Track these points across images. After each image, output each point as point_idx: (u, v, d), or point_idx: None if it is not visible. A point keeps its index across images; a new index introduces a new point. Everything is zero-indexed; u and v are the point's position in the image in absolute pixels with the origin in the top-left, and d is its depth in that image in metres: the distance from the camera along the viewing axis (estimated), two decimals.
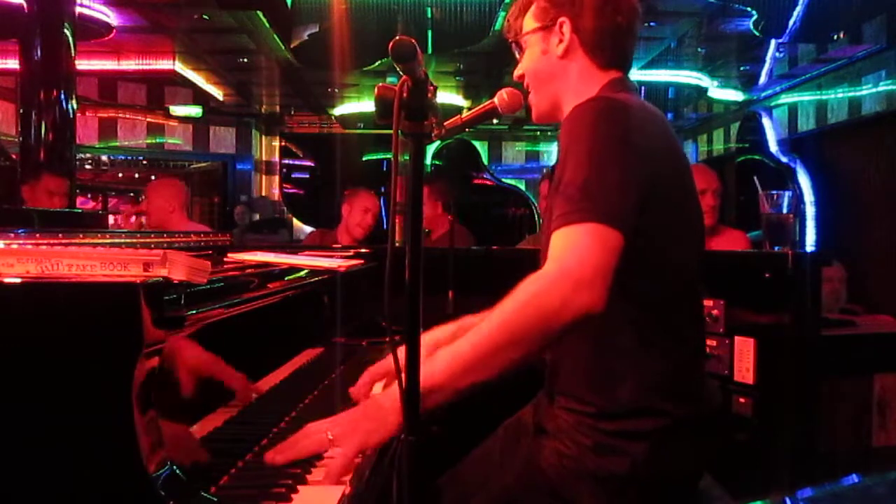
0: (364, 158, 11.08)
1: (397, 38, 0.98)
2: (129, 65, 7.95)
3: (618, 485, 1.33)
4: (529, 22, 1.55)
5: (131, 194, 11.61)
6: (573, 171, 1.29)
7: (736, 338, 2.17)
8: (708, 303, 2.22)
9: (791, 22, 5.81)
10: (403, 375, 1.02)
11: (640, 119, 1.37)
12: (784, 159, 7.58)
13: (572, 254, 1.22)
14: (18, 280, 0.94)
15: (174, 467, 0.93)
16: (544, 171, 8.78)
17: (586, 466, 1.34)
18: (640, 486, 1.34)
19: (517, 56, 1.60)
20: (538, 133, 10.99)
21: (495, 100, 1.59)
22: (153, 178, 10.68)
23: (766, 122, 8.02)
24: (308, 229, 10.29)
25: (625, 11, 1.49)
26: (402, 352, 1.02)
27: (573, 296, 1.18)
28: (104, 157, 10.52)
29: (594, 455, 1.34)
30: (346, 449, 1.14)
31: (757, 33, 6.26)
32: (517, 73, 1.60)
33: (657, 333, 1.37)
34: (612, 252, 1.22)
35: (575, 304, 1.18)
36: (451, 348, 1.24)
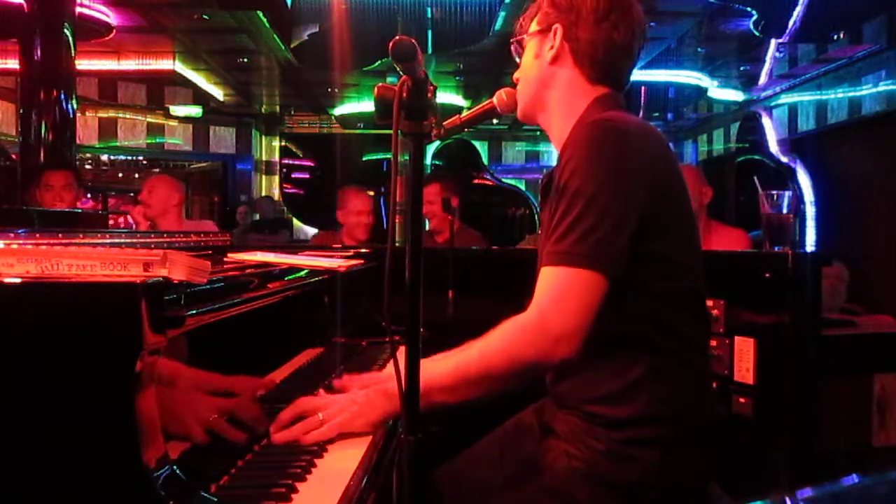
0: (364, 158, 11.09)
1: (397, 38, 0.98)
2: (129, 65, 7.96)
3: (628, 491, 1.33)
4: (532, 25, 1.55)
5: (131, 194, 11.61)
6: (571, 201, 1.29)
7: (736, 338, 2.17)
8: (708, 303, 2.22)
9: (791, 22, 5.81)
10: (403, 377, 1.02)
11: (641, 140, 1.36)
12: (784, 159, 7.58)
13: (557, 305, 1.26)
14: (18, 280, 0.94)
15: (174, 467, 0.93)
16: (545, 171, 8.78)
17: (597, 471, 1.34)
18: (650, 493, 1.33)
19: (516, 56, 1.59)
20: (538, 133, 10.90)
21: (494, 100, 1.59)
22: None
23: (766, 122, 8.02)
24: (308, 229, 10.30)
25: (624, 29, 1.45)
26: (402, 354, 1.02)
27: (552, 350, 1.25)
28: (104, 157, 10.52)
29: (606, 461, 1.33)
30: (329, 426, 1.26)
31: (757, 33, 6.26)
32: (516, 75, 1.59)
33: (668, 344, 1.37)
34: (596, 301, 1.26)
35: (554, 356, 1.25)
36: (431, 365, 1.28)
